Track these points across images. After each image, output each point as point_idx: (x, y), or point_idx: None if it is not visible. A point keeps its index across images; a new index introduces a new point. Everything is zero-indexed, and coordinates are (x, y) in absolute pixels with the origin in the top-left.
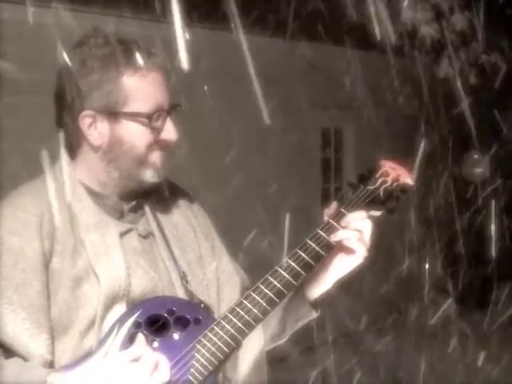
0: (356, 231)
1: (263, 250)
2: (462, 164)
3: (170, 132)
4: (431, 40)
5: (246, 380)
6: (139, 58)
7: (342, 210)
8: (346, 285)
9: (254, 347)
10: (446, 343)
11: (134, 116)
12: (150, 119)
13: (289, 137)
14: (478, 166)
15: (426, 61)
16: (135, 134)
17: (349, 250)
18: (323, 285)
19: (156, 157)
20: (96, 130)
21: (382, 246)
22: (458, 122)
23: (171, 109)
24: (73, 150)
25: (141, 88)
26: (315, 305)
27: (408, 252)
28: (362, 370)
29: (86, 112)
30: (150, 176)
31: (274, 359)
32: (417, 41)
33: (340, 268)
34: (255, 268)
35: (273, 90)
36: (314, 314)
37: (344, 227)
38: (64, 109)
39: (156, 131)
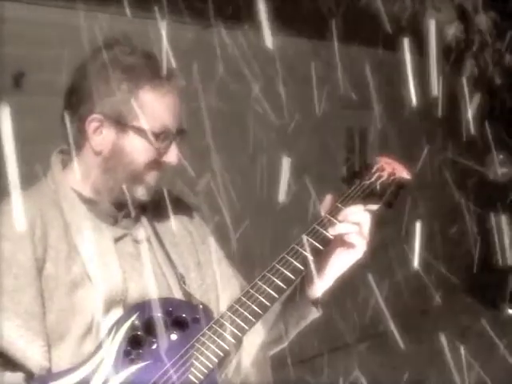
0: (354, 224)
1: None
2: (487, 165)
3: (172, 155)
4: (455, 40)
5: (250, 382)
6: (160, 77)
7: (339, 204)
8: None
9: (255, 348)
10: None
11: (141, 131)
12: (156, 138)
13: (313, 137)
14: (504, 166)
15: (450, 61)
16: (138, 149)
17: (348, 245)
18: (324, 282)
19: (151, 176)
20: (101, 135)
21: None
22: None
23: (178, 133)
24: (75, 149)
25: (155, 106)
26: (317, 303)
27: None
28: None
29: (94, 116)
30: (141, 193)
31: (298, 360)
32: (440, 41)
33: (340, 264)
34: None
35: (297, 90)
36: (316, 313)
37: (342, 221)
38: (72, 107)
39: (159, 151)
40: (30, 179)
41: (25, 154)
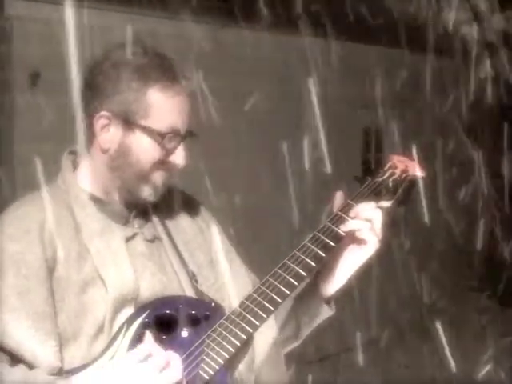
0: (366, 221)
1: None
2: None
3: (179, 157)
4: (471, 40)
5: (264, 380)
6: (171, 78)
7: (350, 201)
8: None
9: (267, 346)
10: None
11: (148, 131)
12: (163, 139)
13: (329, 137)
14: None
15: (466, 61)
16: (144, 149)
17: (360, 241)
18: (337, 280)
19: (158, 176)
20: (108, 133)
21: None
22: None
23: (187, 135)
24: (85, 147)
25: (164, 106)
26: (330, 302)
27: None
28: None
29: (103, 113)
30: (147, 193)
31: (316, 358)
32: (457, 41)
33: (352, 261)
34: None
35: (313, 89)
36: (330, 312)
37: (353, 218)
38: (83, 105)
39: (166, 152)
40: (45, 178)
41: (40, 154)
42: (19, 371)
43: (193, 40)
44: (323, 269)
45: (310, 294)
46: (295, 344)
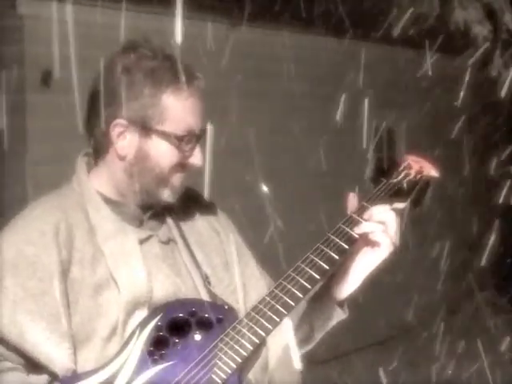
0: (380, 223)
1: None
2: None
3: (196, 157)
4: (483, 39)
5: (277, 381)
6: (183, 80)
7: (365, 203)
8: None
9: (281, 349)
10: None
11: (165, 135)
12: (180, 141)
13: (342, 137)
14: None
15: (477, 60)
16: (162, 153)
17: (373, 243)
18: (350, 283)
19: (176, 178)
20: (125, 140)
21: None
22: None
23: (202, 134)
24: (98, 155)
25: (178, 110)
26: (343, 305)
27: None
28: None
29: (118, 120)
30: (167, 196)
31: (328, 358)
32: (469, 40)
33: (366, 264)
34: None
35: (326, 89)
36: (343, 315)
37: (367, 220)
38: (96, 112)
39: (183, 154)
40: (57, 178)
41: (53, 153)
42: (16, 377)
43: (203, 39)
44: (336, 271)
45: (323, 296)
46: (308, 347)
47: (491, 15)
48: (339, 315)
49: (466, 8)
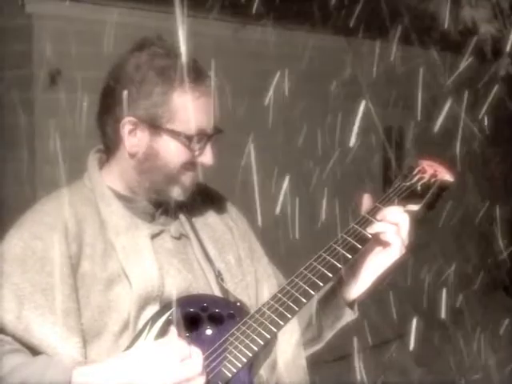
0: (393, 224)
1: None
2: None
3: (207, 157)
4: (492, 38)
5: (285, 381)
6: (194, 79)
7: (378, 204)
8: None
9: (290, 348)
10: None
11: (175, 134)
12: (190, 141)
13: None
14: None
15: (486, 59)
16: (172, 152)
17: (385, 244)
18: (361, 283)
19: (187, 177)
20: (135, 137)
21: None
22: None
23: (214, 134)
24: (109, 152)
25: (189, 109)
26: (353, 305)
27: None
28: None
29: (129, 118)
30: (177, 194)
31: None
32: (477, 39)
33: (377, 264)
34: None
35: (336, 89)
36: (353, 315)
37: (380, 221)
38: (108, 109)
39: (194, 153)
40: (66, 176)
41: (61, 151)
42: (18, 358)
43: (213, 38)
44: (347, 271)
45: (333, 296)
46: (317, 346)
47: (500, 14)
48: (349, 316)
49: (475, 6)
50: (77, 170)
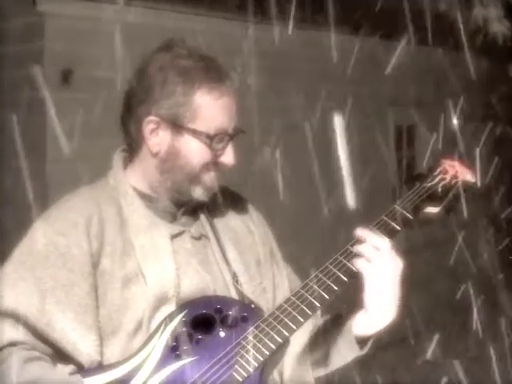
0: (374, 248)
1: None
2: None
3: (228, 156)
4: (502, 37)
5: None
6: (216, 79)
7: (396, 206)
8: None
9: (295, 361)
10: None
11: (197, 134)
12: (211, 140)
13: (362, 135)
14: None
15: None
16: (194, 151)
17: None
18: (370, 314)
19: (208, 177)
20: (157, 137)
21: None
22: None
23: (235, 134)
24: (133, 152)
25: (211, 109)
26: (365, 343)
27: None
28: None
29: (151, 117)
30: (198, 194)
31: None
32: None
33: (374, 289)
34: None
35: (346, 88)
36: (358, 352)
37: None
38: (131, 109)
39: (215, 153)
40: (77, 175)
41: (73, 151)
42: (37, 368)
43: (230, 37)
44: (355, 308)
45: (342, 330)
46: (321, 372)
47: (511, 13)
48: (353, 352)
49: (486, 5)
50: (87, 168)
